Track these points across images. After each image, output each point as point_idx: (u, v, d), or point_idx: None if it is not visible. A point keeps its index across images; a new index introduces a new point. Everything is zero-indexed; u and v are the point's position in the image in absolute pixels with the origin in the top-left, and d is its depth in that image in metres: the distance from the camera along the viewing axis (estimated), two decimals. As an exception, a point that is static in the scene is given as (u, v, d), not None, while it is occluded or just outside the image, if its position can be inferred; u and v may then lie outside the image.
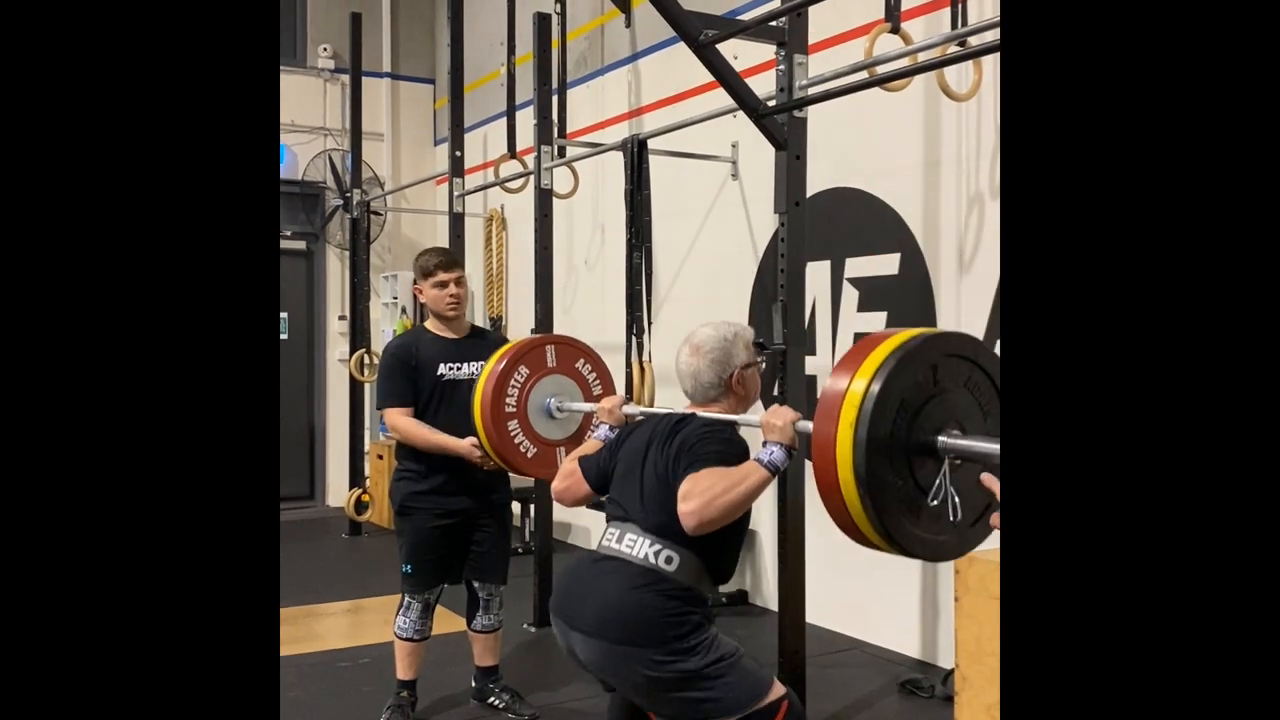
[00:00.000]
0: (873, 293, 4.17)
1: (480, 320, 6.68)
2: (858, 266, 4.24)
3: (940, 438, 1.66)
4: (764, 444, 2.02)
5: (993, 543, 1.62)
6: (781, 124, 3.16)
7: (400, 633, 3.28)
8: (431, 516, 3.20)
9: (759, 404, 2.43)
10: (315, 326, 7.67)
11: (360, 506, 6.62)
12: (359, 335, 6.69)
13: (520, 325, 6.09)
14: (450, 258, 3.28)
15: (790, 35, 3.18)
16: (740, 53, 4.01)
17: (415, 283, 3.30)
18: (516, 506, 4.93)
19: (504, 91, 5.60)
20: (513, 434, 2.87)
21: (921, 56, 3.22)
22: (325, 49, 7.55)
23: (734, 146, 4.79)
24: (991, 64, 3.48)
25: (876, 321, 4.16)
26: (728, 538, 2.12)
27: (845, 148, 4.14)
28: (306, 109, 7.47)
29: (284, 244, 7.41)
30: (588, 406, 2.88)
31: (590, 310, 5.92)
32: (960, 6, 3.30)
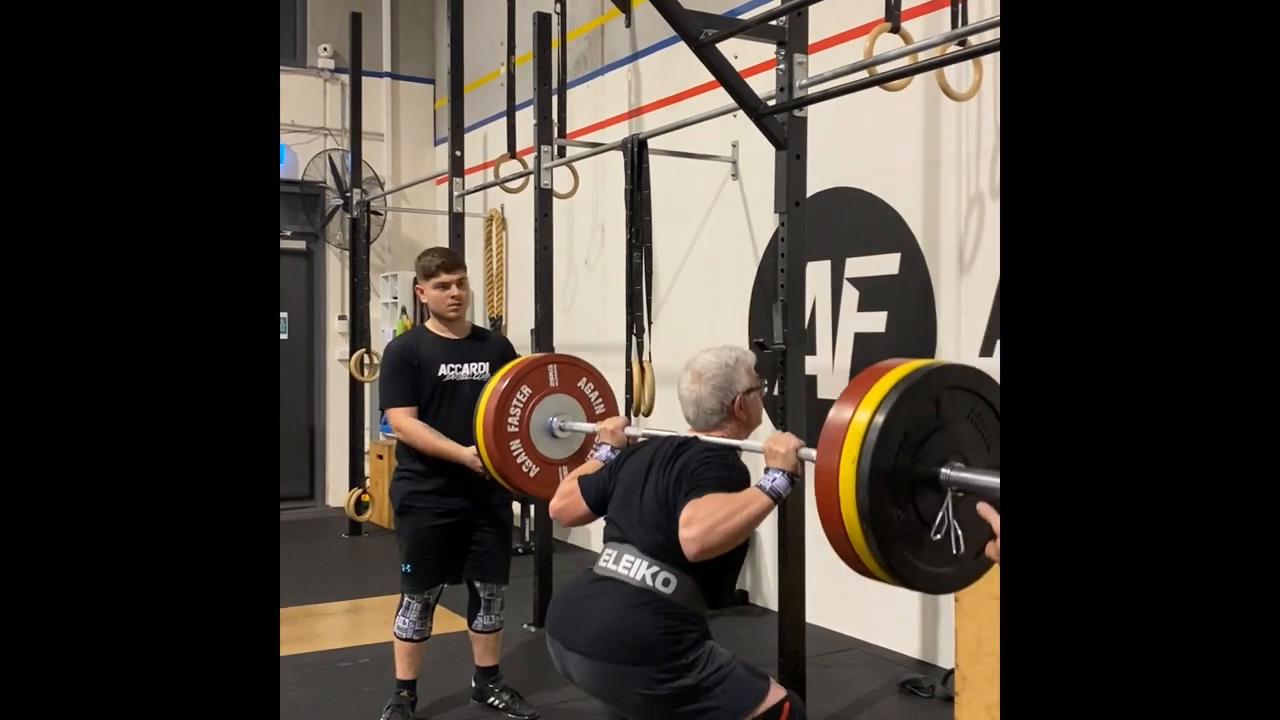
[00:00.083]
0: (873, 293, 4.17)
1: (480, 320, 6.68)
2: (858, 266, 4.24)
3: (943, 470, 1.65)
4: (766, 470, 2.01)
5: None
6: (781, 124, 3.16)
7: (400, 633, 3.28)
8: (431, 516, 3.20)
9: (761, 428, 2.43)
10: (315, 326, 7.67)
11: (360, 506, 6.62)
12: (359, 335, 6.69)
13: (520, 325, 6.09)
14: (452, 259, 3.28)
15: (790, 35, 3.18)
16: (740, 52, 4.01)
17: (417, 283, 3.30)
18: (516, 507, 4.93)
19: (504, 91, 5.60)
20: (515, 453, 2.87)
21: (921, 56, 3.22)
22: (325, 49, 7.55)
23: (734, 146, 4.79)
24: (991, 64, 3.48)
25: (876, 321, 4.16)
26: (726, 563, 2.11)
27: (845, 148, 4.14)
28: (306, 109, 7.47)
29: (284, 244, 7.42)
30: (590, 427, 2.88)
31: (590, 310, 5.92)
32: (960, 6, 3.30)
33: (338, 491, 7.41)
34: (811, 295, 4.14)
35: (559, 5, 5.49)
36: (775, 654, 3.24)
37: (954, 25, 3.29)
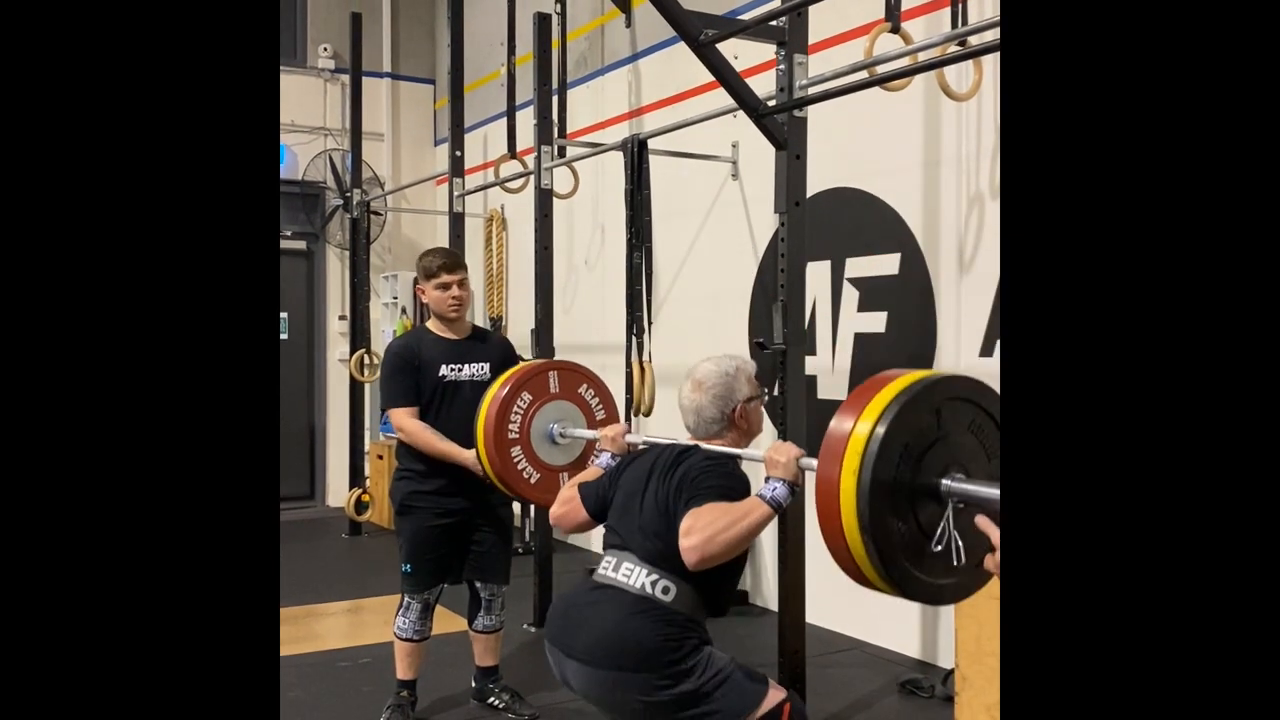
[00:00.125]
0: (873, 293, 4.17)
1: (480, 320, 6.68)
2: (858, 266, 4.23)
3: (944, 481, 1.66)
4: (767, 479, 2.00)
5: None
6: (781, 124, 3.16)
7: (400, 633, 3.28)
8: (431, 516, 3.20)
9: (761, 436, 2.42)
10: (315, 326, 7.67)
11: (360, 506, 6.62)
12: (359, 335, 6.69)
13: (520, 325, 6.09)
14: (454, 260, 3.28)
15: (790, 35, 3.18)
16: (740, 52, 4.01)
17: (418, 283, 3.30)
18: (516, 507, 4.93)
19: (504, 92, 5.60)
20: (516, 460, 2.87)
21: (921, 56, 3.22)
22: (325, 49, 7.55)
23: (734, 146, 4.79)
24: (991, 64, 3.48)
25: (876, 321, 4.16)
26: (726, 571, 2.11)
27: (845, 148, 4.14)
28: (306, 109, 7.47)
29: (284, 244, 7.42)
30: (590, 433, 2.88)
31: (590, 310, 5.92)
32: (960, 6, 3.30)
33: (338, 491, 7.41)
34: (811, 295, 4.14)
35: (559, 5, 5.49)
36: (775, 654, 3.24)
37: (954, 25, 3.29)
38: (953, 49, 3.11)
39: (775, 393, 3.18)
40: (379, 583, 5.10)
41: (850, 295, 4.27)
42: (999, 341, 3.18)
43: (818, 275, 4.25)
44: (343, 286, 7.35)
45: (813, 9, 3.21)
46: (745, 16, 4.29)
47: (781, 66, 3.19)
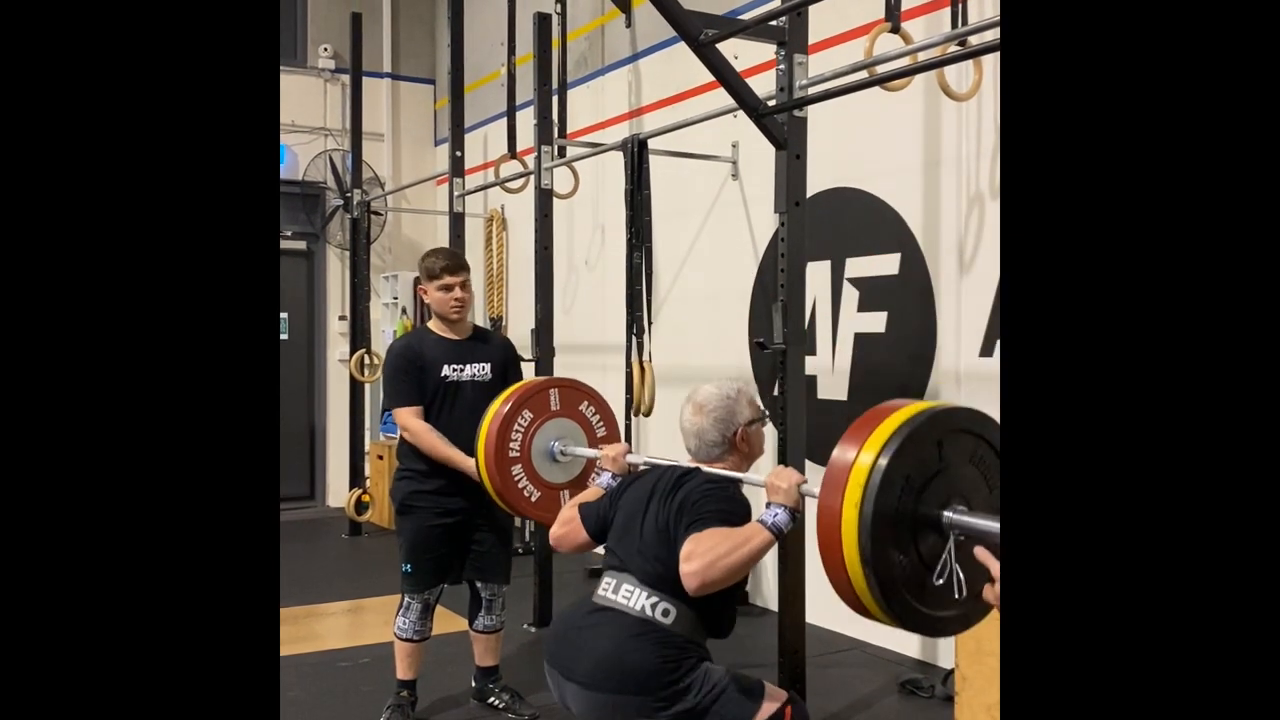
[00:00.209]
0: (873, 293, 4.17)
1: (481, 320, 6.68)
2: (858, 266, 4.23)
3: (945, 513, 1.65)
4: (768, 505, 2.00)
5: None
6: (781, 124, 3.16)
7: (400, 633, 3.28)
8: (432, 515, 3.20)
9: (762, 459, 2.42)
10: (315, 326, 7.67)
11: (360, 506, 6.62)
12: (359, 335, 6.69)
13: (520, 325, 6.09)
14: (457, 261, 3.28)
15: (790, 35, 3.18)
16: (740, 52, 4.01)
17: (420, 283, 3.30)
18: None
19: (504, 92, 5.60)
20: (516, 479, 2.87)
21: (921, 56, 3.22)
22: (325, 49, 7.55)
23: (734, 146, 4.79)
24: (991, 64, 3.48)
25: (877, 321, 4.16)
26: (727, 594, 2.10)
27: (845, 148, 4.14)
28: (306, 109, 7.47)
29: (284, 244, 7.42)
30: (591, 452, 2.88)
31: (590, 310, 5.92)
32: (960, 6, 3.30)
33: (338, 491, 7.41)
34: (811, 295, 4.14)
35: (559, 5, 5.50)
36: (775, 654, 3.24)
37: (954, 25, 3.29)
38: (953, 49, 3.11)
39: (775, 393, 3.18)
40: (379, 583, 5.10)
41: (850, 295, 4.27)
42: (999, 341, 3.18)
43: (818, 275, 4.25)
44: (343, 286, 7.35)
45: (813, 9, 3.21)
46: (745, 16, 4.29)
47: (781, 66, 3.20)
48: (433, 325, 3.31)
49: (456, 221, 5.33)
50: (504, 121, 5.58)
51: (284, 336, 7.41)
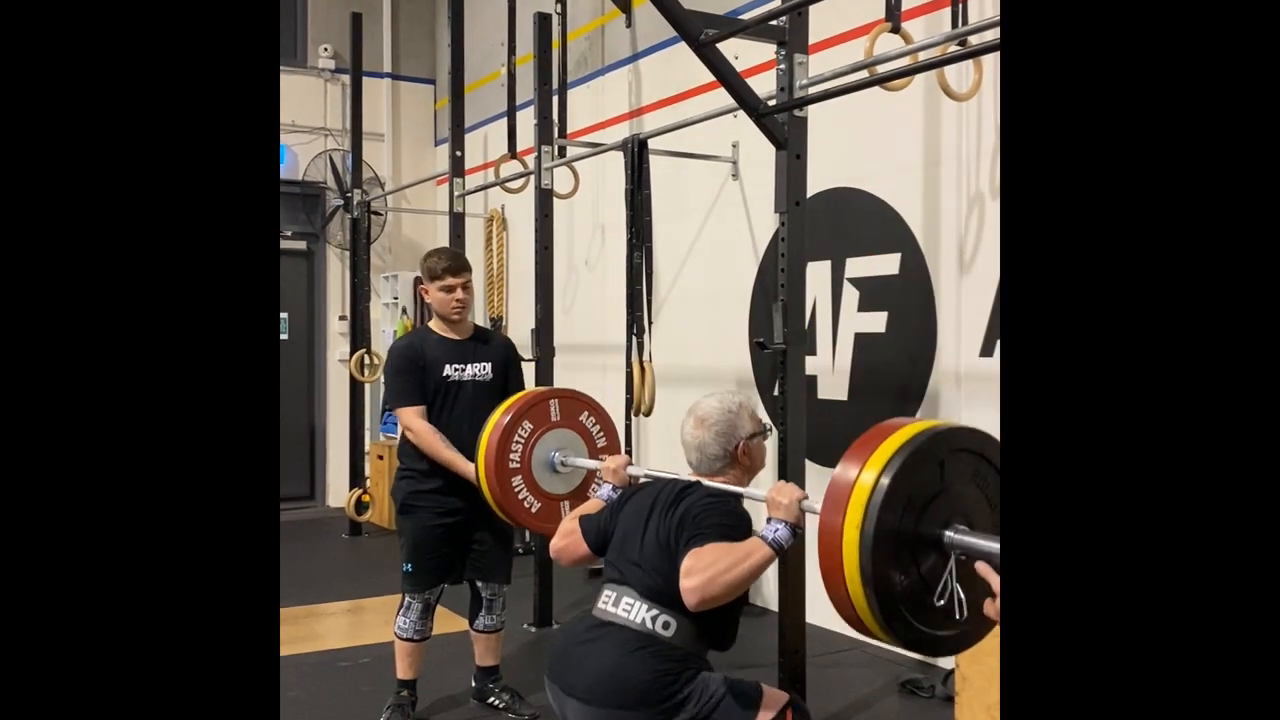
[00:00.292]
0: (873, 293, 4.17)
1: (481, 320, 6.68)
2: (858, 266, 4.23)
3: (947, 533, 1.65)
4: (769, 520, 2.00)
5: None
6: (782, 123, 3.16)
7: (400, 633, 3.28)
8: (433, 515, 3.21)
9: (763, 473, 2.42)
10: (315, 326, 7.67)
11: (360, 506, 6.62)
12: (359, 335, 6.68)
13: (520, 325, 6.09)
14: (458, 261, 3.28)
15: (790, 35, 3.18)
16: (740, 52, 4.01)
17: (421, 283, 3.30)
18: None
19: (504, 92, 5.60)
20: (517, 490, 2.87)
21: (921, 56, 3.22)
22: (325, 49, 7.55)
23: (734, 146, 4.79)
24: (991, 64, 3.48)
25: (877, 321, 4.16)
26: (729, 608, 2.10)
27: (845, 148, 4.14)
28: (307, 109, 7.47)
29: (284, 244, 7.42)
30: (592, 464, 2.87)
31: (590, 310, 5.92)
32: (960, 6, 3.30)
33: (338, 491, 7.41)
34: (811, 295, 4.14)
35: (559, 5, 5.49)
36: (776, 654, 3.24)
37: (954, 25, 3.29)
38: (953, 49, 3.11)
39: (775, 393, 3.18)
40: (379, 583, 5.10)
41: (850, 295, 4.27)
42: (999, 341, 3.18)
43: (818, 275, 4.25)
44: (343, 286, 7.35)
45: (813, 9, 3.21)
46: (745, 16, 4.29)
47: (781, 66, 3.20)
48: (434, 325, 3.31)
49: (457, 221, 5.33)
50: (504, 121, 5.58)
51: (284, 336, 7.41)
